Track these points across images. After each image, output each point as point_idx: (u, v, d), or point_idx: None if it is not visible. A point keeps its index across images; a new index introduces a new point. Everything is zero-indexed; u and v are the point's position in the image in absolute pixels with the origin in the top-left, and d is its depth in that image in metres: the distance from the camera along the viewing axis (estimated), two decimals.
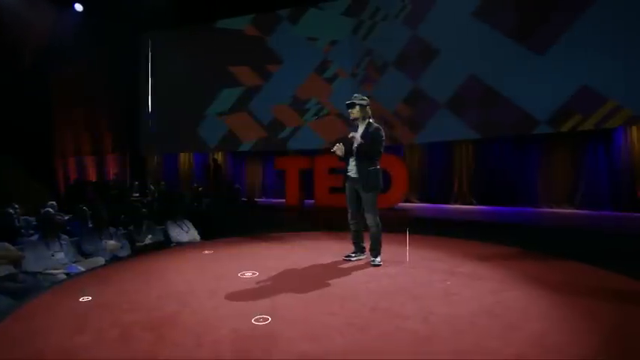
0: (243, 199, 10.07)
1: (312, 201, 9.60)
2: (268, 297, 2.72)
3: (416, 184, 9.54)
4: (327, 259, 3.83)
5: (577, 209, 7.94)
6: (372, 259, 3.68)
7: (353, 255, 3.83)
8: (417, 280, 3.07)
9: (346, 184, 3.83)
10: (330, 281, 3.10)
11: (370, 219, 3.67)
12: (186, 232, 5.37)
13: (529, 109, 7.57)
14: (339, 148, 3.70)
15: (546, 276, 3.12)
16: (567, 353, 1.85)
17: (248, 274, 3.34)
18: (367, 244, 3.79)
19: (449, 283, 2.99)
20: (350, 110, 3.73)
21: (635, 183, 7.48)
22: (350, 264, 3.67)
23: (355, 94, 3.80)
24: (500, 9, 7.80)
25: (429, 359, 1.84)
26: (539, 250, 4.10)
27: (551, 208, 8.22)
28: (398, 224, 5.98)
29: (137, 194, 9.07)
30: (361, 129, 3.71)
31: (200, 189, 9.04)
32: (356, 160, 3.67)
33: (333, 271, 3.44)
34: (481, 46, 7.90)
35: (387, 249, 3.83)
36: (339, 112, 9.41)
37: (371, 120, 3.74)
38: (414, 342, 2.01)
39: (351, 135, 3.68)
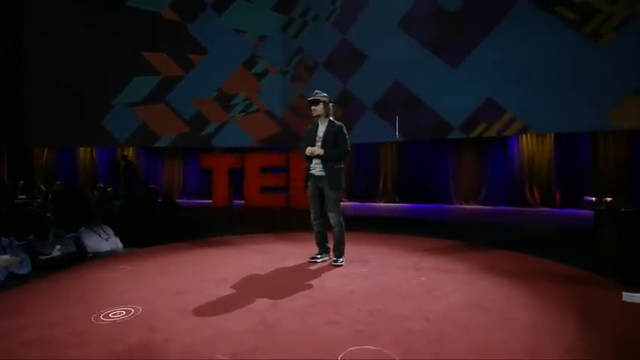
0: (159, 200, 9.06)
1: (242, 201, 9.15)
2: (253, 310, 2.40)
3: (344, 183, 9.78)
4: (289, 263, 3.62)
5: (480, 205, 9.13)
6: (335, 259, 3.59)
7: (318, 257, 3.68)
8: (394, 278, 3.06)
9: (308, 183, 3.66)
10: (308, 287, 2.90)
11: (334, 218, 3.56)
12: (107, 240, 4.58)
13: (444, 115, 8.37)
14: (310, 152, 3.51)
15: (500, 265, 3.42)
16: (564, 342, 2.01)
17: (212, 285, 2.94)
18: (331, 244, 3.68)
19: (424, 278, 3.05)
20: (313, 107, 3.53)
21: (525, 183, 8.91)
22: (317, 266, 3.51)
23: (316, 90, 3.60)
24: (421, 23, 8.46)
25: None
26: (477, 242, 4.51)
27: (461, 204, 9.29)
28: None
29: (23, 196, 7.42)
30: (322, 127, 3.55)
31: (109, 189, 7.82)
32: (322, 158, 3.52)
33: (304, 275, 3.24)
34: (405, 55, 8.45)
35: (348, 248, 3.77)
36: (269, 109, 9.13)
37: (332, 118, 3.60)
38: (430, 344, 1.95)
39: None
